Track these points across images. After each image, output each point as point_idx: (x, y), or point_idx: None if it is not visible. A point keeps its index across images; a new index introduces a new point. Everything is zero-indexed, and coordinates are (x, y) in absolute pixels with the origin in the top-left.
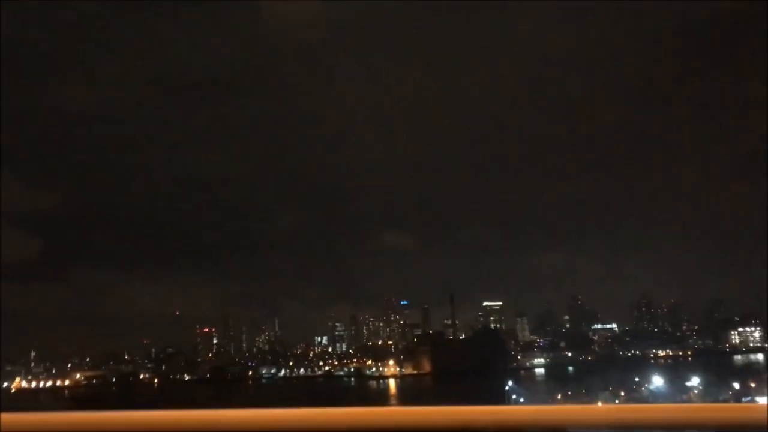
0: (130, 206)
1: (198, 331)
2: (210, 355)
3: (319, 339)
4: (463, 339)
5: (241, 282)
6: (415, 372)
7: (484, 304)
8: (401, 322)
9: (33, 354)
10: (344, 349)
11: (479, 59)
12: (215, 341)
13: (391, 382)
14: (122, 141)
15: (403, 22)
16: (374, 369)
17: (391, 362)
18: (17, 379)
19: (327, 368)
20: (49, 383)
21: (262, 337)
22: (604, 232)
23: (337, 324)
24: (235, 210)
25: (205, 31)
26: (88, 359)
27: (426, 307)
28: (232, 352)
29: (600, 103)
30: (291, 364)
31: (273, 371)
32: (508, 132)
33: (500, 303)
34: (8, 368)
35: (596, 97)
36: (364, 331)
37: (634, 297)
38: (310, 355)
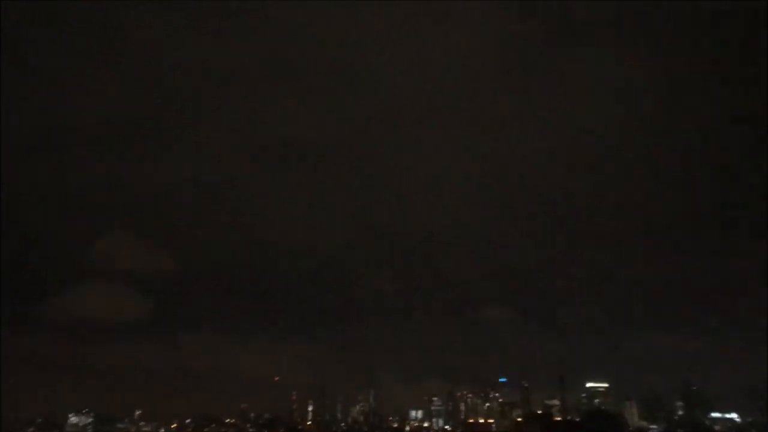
0: (235, 271)
1: (294, 398)
2: (309, 423)
3: (414, 413)
4: (574, 421)
5: (337, 350)
6: None
7: (588, 385)
8: (500, 400)
9: (138, 412)
10: (440, 425)
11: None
12: (310, 409)
13: None
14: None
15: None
16: None
17: None
18: None
19: None
20: None
21: (357, 407)
22: (712, 312)
23: (434, 399)
24: (336, 277)
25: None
26: (188, 421)
27: (525, 385)
28: (327, 420)
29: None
30: None
31: None
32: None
33: (606, 384)
34: (119, 425)
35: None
36: (462, 407)
37: (751, 382)
38: (407, 429)
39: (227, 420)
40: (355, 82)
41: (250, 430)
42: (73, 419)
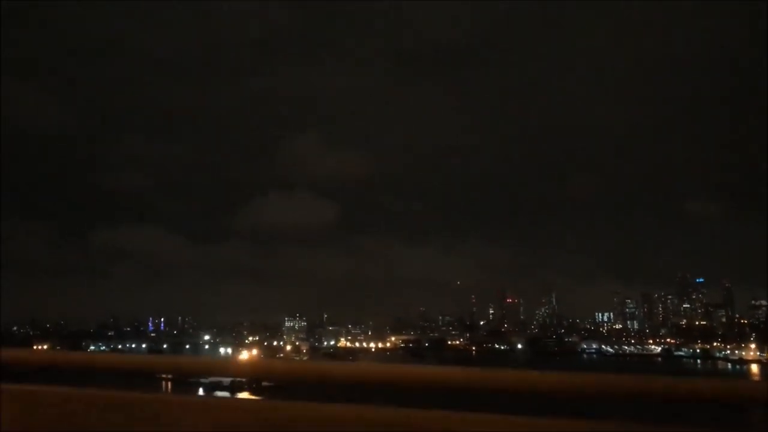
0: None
1: (473, 300)
2: (507, 325)
3: (600, 315)
4: None
5: (515, 252)
6: None
7: None
8: (702, 301)
9: (325, 317)
10: (635, 327)
11: None
12: (491, 312)
13: (754, 367)
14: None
15: None
16: (726, 351)
17: (753, 345)
18: (342, 340)
19: (660, 348)
20: (372, 345)
21: (543, 310)
22: None
23: (627, 300)
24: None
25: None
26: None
27: (728, 285)
28: (506, 324)
29: None
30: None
31: (594, 346)
32: None
33: None
34: (330, 328)
35: None
36: (660, 309)
37: None
38: (602, 331)
39: (425, 324)
40: None
41: (453, 332)
42: (288, 323)
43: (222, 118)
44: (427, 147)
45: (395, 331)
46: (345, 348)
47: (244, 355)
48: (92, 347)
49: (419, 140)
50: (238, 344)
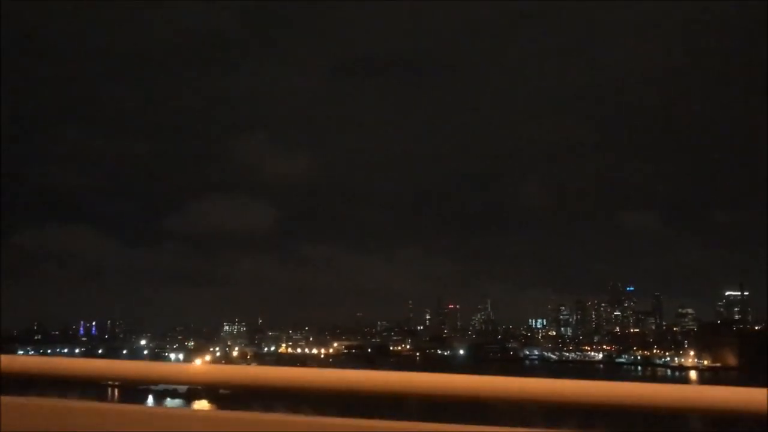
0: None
1: (410, 306)
2: (446, 331)
3: (534, 322)
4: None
5: (451, 260)
6: (719, 365)
7: (727, 293)
8: (633, 309)
9: (260, 321)
10: (569, 334)
11: None
12: (428, 317)
13: (693, 374)
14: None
15: None
16: (666, 359)
17: (692, 353)
18: (283, 345)
19: (600, 354)
20: (313, 351)
21: (478, 316)
22: None
23: (561, 307)
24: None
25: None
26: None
27: (657, 294)
28: (446, 331)
29: None
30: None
31: (536, 353)
32: None
33: (746, 293)
34: (270, 333)
35: None
36: (594, 316)
37: None
38: (539, 338)
39: (365, 329)
40: None
41: (394, 338)
42: (227, 328)
43: (163, 116)
44: (371, 155)
45: (335, 337)
46: (287, 353)
47: (197, 362)
48: (20, 351)
49: (364, 147)
50: (181, 349)
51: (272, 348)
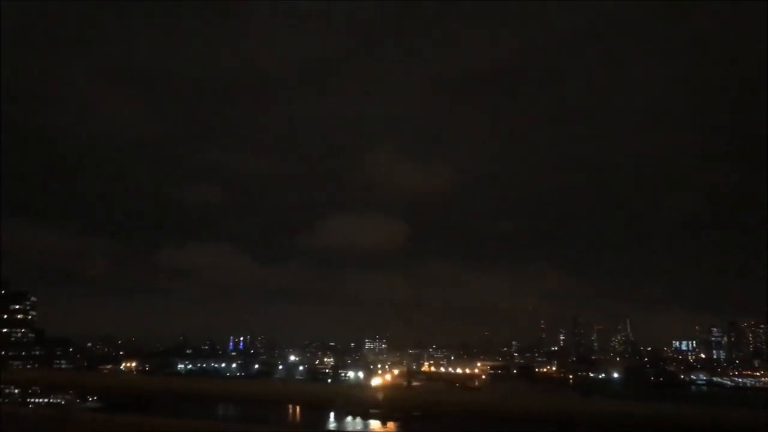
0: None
1: (542, 326)
2: (598, 354)
3: (678, 344)
4: None
5: (578, 278)
6: None
7: None
8: None
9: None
10: (722, 357)
11: None
12: (562, 338)
13: None
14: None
15: None
16: None
17: None
18: (425, 364)
19: None
20: (458, 370)
21: (618, 337)
22: None
23: (714, 329)
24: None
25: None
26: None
27: None
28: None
29: None
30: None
31: (702, 377)
32: None
33: None
34: (410, 351)
35: None
36: (750, 338)
37: None
38: (691, 361)
39: (504, 349)
40: None
41: (539, 359)
42: (368, 345)
43: (293, 136)
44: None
45: (472, 357)
46: (430, 372)
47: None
48: (180, 366)
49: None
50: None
51: (413, 366)
